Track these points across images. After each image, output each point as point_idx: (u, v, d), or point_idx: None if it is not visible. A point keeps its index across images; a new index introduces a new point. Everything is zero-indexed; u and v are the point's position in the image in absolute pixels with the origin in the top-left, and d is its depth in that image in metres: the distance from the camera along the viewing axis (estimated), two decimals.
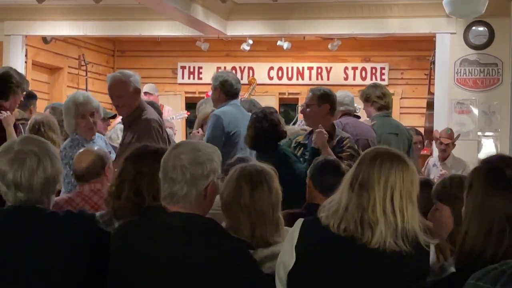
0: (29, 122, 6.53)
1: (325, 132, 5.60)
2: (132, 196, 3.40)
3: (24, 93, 6.23)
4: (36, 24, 10.52)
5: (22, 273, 2.93)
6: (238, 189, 3.35)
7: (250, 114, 6.46)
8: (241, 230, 3.27)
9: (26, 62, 10.83)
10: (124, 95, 5.69)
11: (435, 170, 8.16)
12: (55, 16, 10.40)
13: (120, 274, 2.99)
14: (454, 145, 8.20)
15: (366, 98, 7.08)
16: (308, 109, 5.87)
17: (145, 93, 11.07)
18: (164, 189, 3.04)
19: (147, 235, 2.98)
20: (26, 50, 10.81)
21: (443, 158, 8.20)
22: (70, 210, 3.13)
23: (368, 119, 7.33)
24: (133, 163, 3.47)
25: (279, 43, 11.22)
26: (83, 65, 12.32)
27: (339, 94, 7.33)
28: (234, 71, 13.00)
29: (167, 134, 5.81)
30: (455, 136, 8.17)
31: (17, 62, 10.49)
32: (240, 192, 3.34)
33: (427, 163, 8.52)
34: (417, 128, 9.09)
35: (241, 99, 7.43)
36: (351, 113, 7.05)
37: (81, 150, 4.73)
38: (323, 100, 5.81)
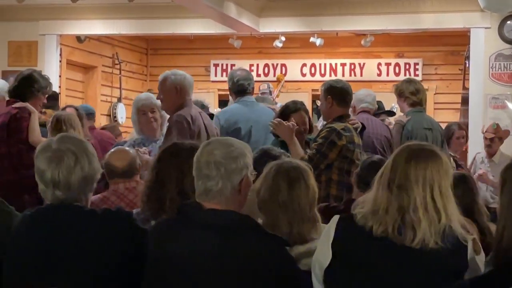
0: (51, 118, 6.59)
1: (280, 122, 5.73)
2: (176, 197, 3.40)
3: (46, 96, 6.25)
4: (70, 23, 10.60)
5: (62, 270, 2.96)
6: (276, 186, 3.34)
7: (263, 110, 6.59)
8: (278, 227, 3.26)
9: (60, 61, 10.91)
10: (161, 91, 5.90)
11: (483, 167, 8.00)
12: (89, 15, 10.47)
13: (157, 272, 3.00)
14: (501, 141, 8.00)
15: (400, 93, 7.07)
16: (319, 104, 5.97)
17: None
18: (199, 186, 3.06)
19: (183, 233, 3.00)
20: (61, 49, 10.88)
21: (489, 154, 8.01)
22: (108, 208, 3.15)
23: (402, 114, 7.32)
24: (170, 162, 3.48)
25: (311, 39, 11.18)
26: (117, 64, 12.40)
27: (361, 92, 7.33)
28: (266, 68, 13.07)
29: (205, 129, 5.83)
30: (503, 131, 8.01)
31: (52, 61, 10.58)
32: (277, 189, 3.33)
33: (474, 159, 8.38)
34: (460, 123, 8.97)
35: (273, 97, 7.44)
36: (371, 112, 7.08)
37: (113, 149, 4.76)
38: (327, 92, 5.84)
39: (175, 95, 5.83)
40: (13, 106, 5.90)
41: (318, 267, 2.92)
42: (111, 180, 4.61)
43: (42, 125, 6.50)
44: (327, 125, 5.78)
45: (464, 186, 4.49)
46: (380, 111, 8.04)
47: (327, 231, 2.92)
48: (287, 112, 5.99)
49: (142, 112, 6.01)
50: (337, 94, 5.83)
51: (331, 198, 5.44)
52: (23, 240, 3.06)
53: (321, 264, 2.90)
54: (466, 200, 4.32)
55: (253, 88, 6.77)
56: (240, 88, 6.75)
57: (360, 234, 2.84)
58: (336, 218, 2.93)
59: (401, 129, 6.87)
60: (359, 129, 5.81)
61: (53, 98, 7.89)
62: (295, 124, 5.73)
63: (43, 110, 7.31)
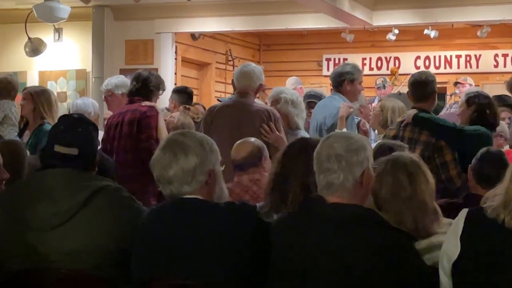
0: (176, 121, 6.73)
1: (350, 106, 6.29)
2: (299, 192, 3.40)
3: (161, 92, 6.40)
4: (184, 21, 10.78)
5: (187, 264, 3.00)
6: (397, 182, 3.28)
7: (326, 106, 6.70)
8: (403, 223, 3.20)
9: (176, 58, 11.11)
10: None
11: None
12: (203, 13, 10.63)
13: (281, 266, 3.02)
14: None
15: None
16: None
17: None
18: (320, 180, 3.06)
19: (308, 227, 3.00)
20: (176, 47, 11.09)
21: None
22: (233, 201, 3.18)
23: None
24: (297, 157, 3.47)
25: (425, 31, 11.06)
26: (230, 60, 12.53)
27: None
28: (379, 62, 12.97)
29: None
30: None
31: (168, 59, 10.79)
32: (399, 185, 3.27)
33: None
34: None
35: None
36: None
37: (239, 141, 4.80)
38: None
39: None
40: (142, 104, 6.08)
41: (446, 260, 2.86)
42: (236, 173, 4.66)
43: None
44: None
45: None
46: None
47: (456, 224, 2.87)
48: None
49: None
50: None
51: None
52: (150, 235, 3.12)
53: (449, 257, 2.85)
54: None
55: (343, 81, 6.73)
56: (332, 84, 6.90)
57: (491, 227, 2.77)
58: (465, 211, 2.86)
59: None
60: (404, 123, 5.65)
61: (189, 96, 8.06)
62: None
63: (187, 106, 7.49)
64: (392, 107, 6.51)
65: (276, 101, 6.21)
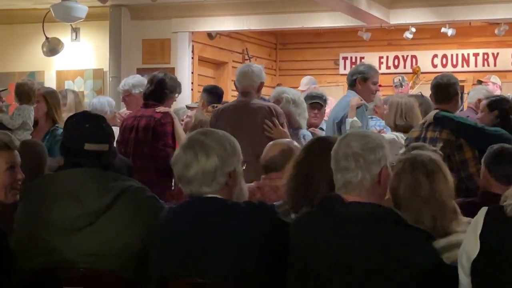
0: (193, 120, 6.73)
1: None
2: (327, 190, 3.34)
3: (177, 95, 6.40)
4: (201, 20, 10.79)
5: (205, 263, 3.02)
6: (416, 181, 3.27)
7: (342, 101, 6.73)
8: (422, 222, 3.18)
9: (192, 58, 11.13)
10: None
11: None
12: (219, 12, 10.63)
13: (299, 265, 3.03)
14: None
15: None
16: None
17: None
18: (338, 179, 3.06)
19: (327, 226, 3.01)
20: (193, 46, 11.10)
21: None
22: (251, 201, 3.19)
23: None
24: (322, 158, 3.44)
25: (443, 30, 11.01)
26: (246, 59, 12.52)
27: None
28: (396, 60, 12.94)
29: None
30: None
31: (184, 58, 10.80)
32: (418, 184, 3.26)
33: None
34: None
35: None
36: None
37: (272, 142, 4.73)
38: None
39: None
40: (156, 110, 6.07)
41: (466, 259, 2.86)
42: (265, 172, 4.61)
43: None
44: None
45: None
46: None
47: (475, 222, 2.86)
48: None
49: None
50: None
51: None
52: (168, 233, 3.13)
53: (468, 256, 2.84)
54: None
55: (355, 81, 6.70)
56: (347, 83, 6.87)
57: (510, 225, 2.76)
58: (484, 209, 2.86)
59: None
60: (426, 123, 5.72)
61: (219, 96, 8.07)
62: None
63: (215, 105, 7.50)
64: (397, 103, 6.47)
65: (277, 101, 6.25)
